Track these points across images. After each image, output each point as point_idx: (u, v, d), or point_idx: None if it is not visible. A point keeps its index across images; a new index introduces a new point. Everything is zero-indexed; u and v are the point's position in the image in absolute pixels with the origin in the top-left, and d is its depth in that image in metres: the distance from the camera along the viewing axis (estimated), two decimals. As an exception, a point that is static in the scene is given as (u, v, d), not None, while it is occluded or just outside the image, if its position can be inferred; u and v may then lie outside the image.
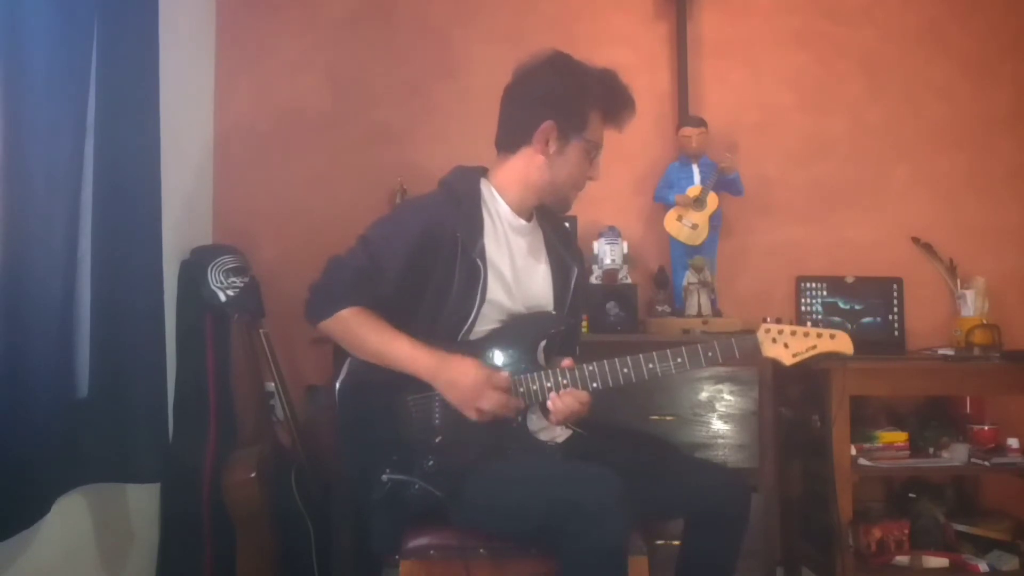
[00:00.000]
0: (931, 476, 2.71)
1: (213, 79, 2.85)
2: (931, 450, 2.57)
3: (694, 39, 2.92)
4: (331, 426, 1.79)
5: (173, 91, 2.27)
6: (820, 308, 2.83)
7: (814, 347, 1.72)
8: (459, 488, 1.67)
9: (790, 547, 2.73)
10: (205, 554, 2.40)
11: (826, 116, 2.96)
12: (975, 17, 3.01)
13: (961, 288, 2.84)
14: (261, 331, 2.52)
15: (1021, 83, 3.01)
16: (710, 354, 1.72)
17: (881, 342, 2.78)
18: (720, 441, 2.41)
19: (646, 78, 2.87)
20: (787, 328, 1.73)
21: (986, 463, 2.50)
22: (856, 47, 2.98)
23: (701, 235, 2.67)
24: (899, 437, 2.55)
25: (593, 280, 2.58)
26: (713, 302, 2.61)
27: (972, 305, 2.79)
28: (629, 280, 2.60)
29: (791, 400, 2.64)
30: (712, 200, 2.67)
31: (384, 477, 1.70)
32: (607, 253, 2.60)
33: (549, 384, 1.71)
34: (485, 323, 1.76)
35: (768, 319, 1.77)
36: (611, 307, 2.54)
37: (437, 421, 1.72)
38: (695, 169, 2.72)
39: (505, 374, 1.70)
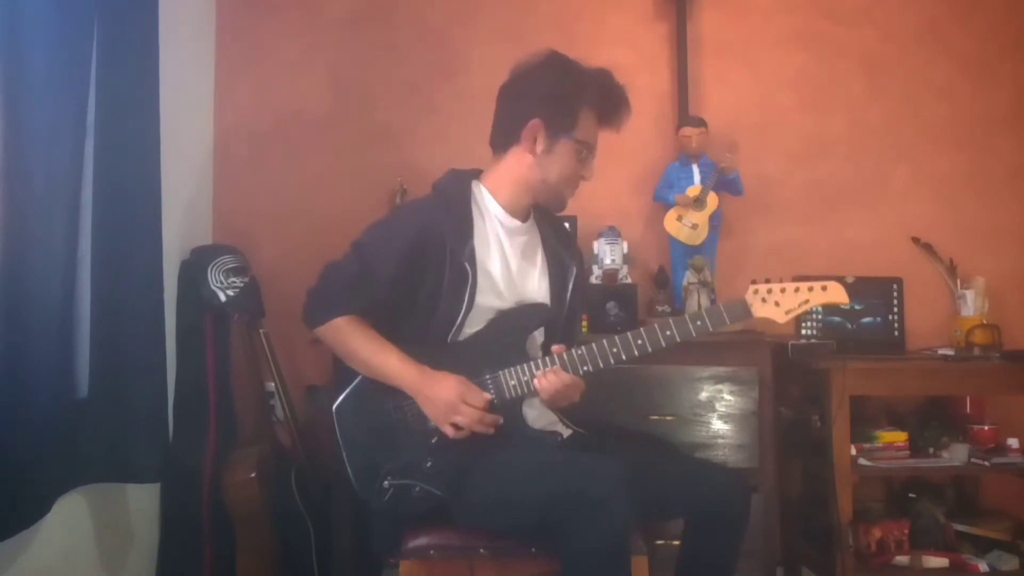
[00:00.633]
0: (931, 476, 2.71)
1: (213, 79, 2.85)
2: (931, 450, 2.57)
3: (694, 39, 2.92)
4: (331, 427, 1.79)
5: (173, 91, 2.27)
6: (820, 308, 2.82)
7: (806, 301, 1.68)
8: (460, 486, 1.67)
9: (790, 547, 2.73)
10: (205, 554, 2.40)
11: (826, 116, 2.96)
12: (975, 17, 3.01)
13: (961, 288, 2.84)
14: (261, 331, 2.52)
15: (1021, 83, 3.01)
16: (699, 323, 1.71)
17: (881, 342, 2.78)
18: (720, 441, 2.41)
19: (646, 78, 2.87)
20: (776, 286, 1.69)
21: (986, 463, 2.50)
22: (856, 47, 2.98)
23: (701, 235, 2.67)
24: (899, 437, 2.55)
25: (593, 280, 2.58)
26: (713, 302, 2.61)
27: (972, 305, 2.79)
28: (629, 280, 2.61)
29: (791, 400, 2.64)
30: (712, 200, 2.67)
31: (385, 483, 1.71)
32: (607, 253, 2.60)
33: (537, 372, 1.71)
34: (475, 325, 1.76)
35: (755, 280, 1.73)
36: (611, 307, 2.54)
37: (431, 423, 1.72)
38: (695, 169, 2.72)
39: (487, 395, 1.71)
